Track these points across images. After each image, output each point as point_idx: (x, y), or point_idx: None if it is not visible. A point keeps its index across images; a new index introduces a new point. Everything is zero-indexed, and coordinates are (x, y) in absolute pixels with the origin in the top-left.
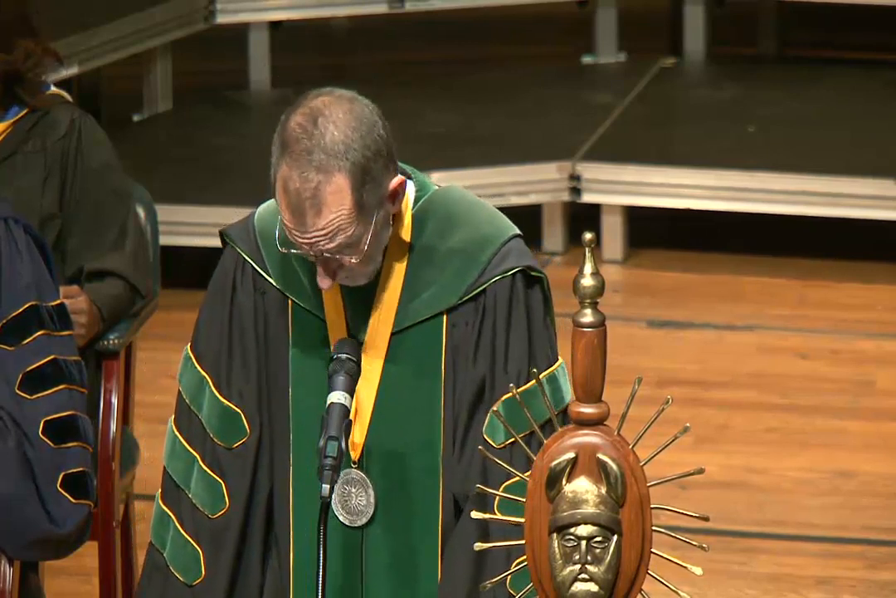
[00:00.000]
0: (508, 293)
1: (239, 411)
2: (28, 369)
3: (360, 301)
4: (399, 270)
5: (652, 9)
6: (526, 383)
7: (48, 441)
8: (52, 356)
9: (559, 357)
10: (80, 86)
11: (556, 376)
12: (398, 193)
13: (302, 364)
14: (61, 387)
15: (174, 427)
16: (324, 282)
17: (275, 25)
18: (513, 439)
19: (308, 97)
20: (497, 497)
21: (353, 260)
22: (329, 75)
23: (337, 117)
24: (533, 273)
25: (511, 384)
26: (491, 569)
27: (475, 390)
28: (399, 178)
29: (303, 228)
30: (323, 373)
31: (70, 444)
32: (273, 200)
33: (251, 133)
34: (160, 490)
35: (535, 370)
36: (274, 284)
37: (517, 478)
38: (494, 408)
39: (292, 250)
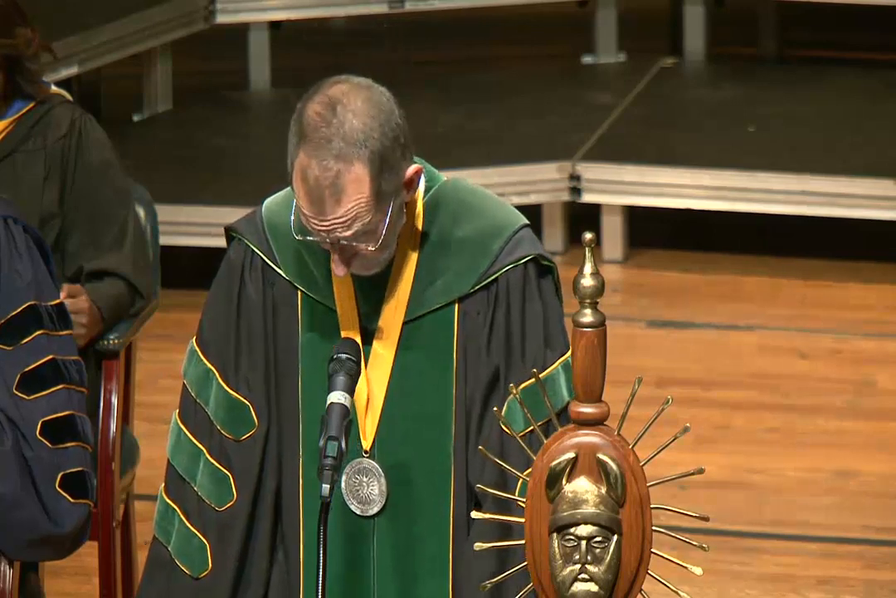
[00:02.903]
0: (521, 281)
1: (247, 402)
2: (26, 369)
3: (372, 290)
4: (411, 258)
5: (652, 9)
6: (543, 371)
7: (46, 442)
8: (50, 356)
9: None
10: (80, 86)
11: (570, 364)
12: (414, 181)
13: (312, 356)
14: (60, 387)
15: (179, 421)
16: (339, 269)
17: (275, 25)
18: (531, 428)
19: (324, 85)
20: (519, 483)
21: (369, 248)
22: (329, 75)
23: (356, 106)
24: (544, 262)
25: (534, 370)
26: (513, 565)
27: (489, 379)
28: (415, 166)
29: (321, 216)
30: None
31: (69, 444)
32: (280, 193)
33: (251, 133)
34: (163, 484)
35: (535, 370)
36: (283, 275)
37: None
38: (516, 396)
39: (308, 237)
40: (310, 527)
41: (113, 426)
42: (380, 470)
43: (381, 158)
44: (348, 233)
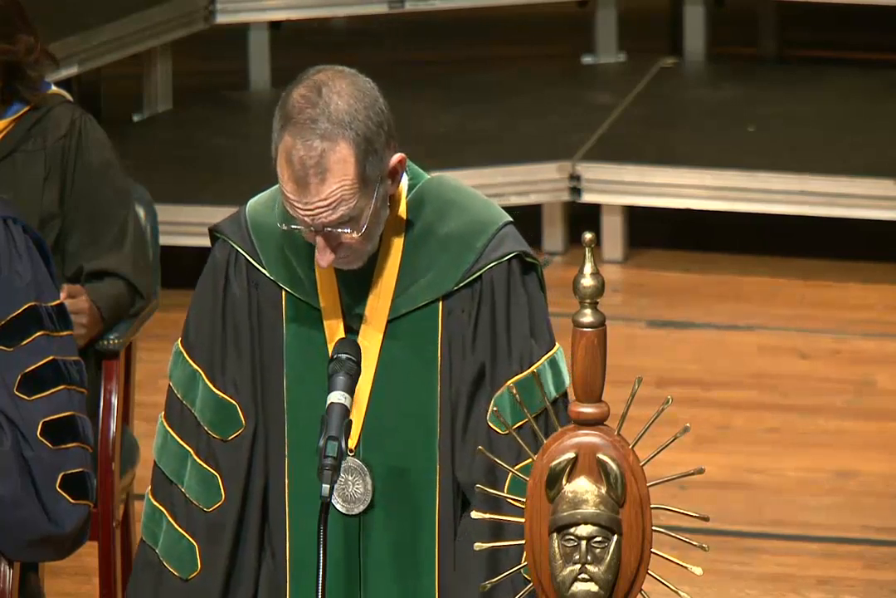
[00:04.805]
0: (506, 278)
1: (234, 402)
2: (27, 370)
3: (356, 287)
4: (395, 254)
5: (652, 9)
6: (530, 367)
7: (46, 442)
8: (50, 357)
9: (556, 342)
10: (80, 86)
11: (557, 360)
12: (398, 171)
13: (297, 355)
14: (60, 388)
15: (165, 422)
16: (324, 258)
17: (275, 25)
18: (520, 423)
19: (309, 73)
20: (508, 480)
21: (353, 235)
22: None
23: (341, 88)
24: (528, 259)
25: (530, 367)
26: (505, 565)
27: (474, 376)
28: (400, 155)
29: (306, 198)
30: (318, 364)
31: (69, 444)
32: (264, 193)
33: (251, 133)
34: (150, 486)
35: (531, 368)
36: (268, 275)
37: (526, 461)
38: (510, 390)
39: (293, 226)
40: (296, 526)
41: (113, 426)
42: (364, 469)
43: (366, 140)
44: (333, 217)
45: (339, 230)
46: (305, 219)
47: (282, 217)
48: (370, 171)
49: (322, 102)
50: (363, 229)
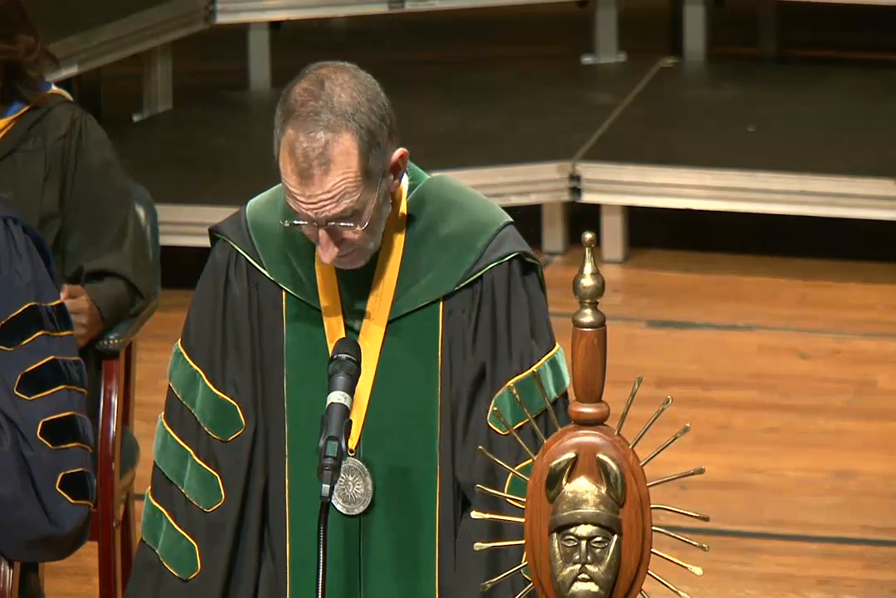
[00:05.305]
0: (506, 279)
1: (234, 403)
2: (27, 369)
3: (357, 288)
4: (396, 254)
5: (652, 9)
6: (530, 367)
7: (46, 442)
8: (51, 357)
9: (556, 343)
10: (80, 86)
11: (557, 360)
12: (400, 167)
13: (297, 355)
14: (60, 388)
15: (165, 423)
16: (326, 254)
17: (275, 25)
18: (520, 424)
19: (310, 68)
20: (508, 480)
21: (356, 229)
22: None
23: (343, 81)
24: (529, 259)
25: (531, 368)
26: (505, 565)
27: (475, 377)
28: (402, 150)
29: (309, 190)
30: (318, 364)
31: (69, 444)
32: (264, 193)
33: (251, 133)
34: (150, 487)
35: (532, 368)
36: (268, 275)
37: (526, 461)
38: (511, 390)
39: (296, 221)
40: (296, 526)
41: (113, 426)
42: (365, 469)
43: (369, 133)
44: (337, 210)
45: (342, 224)
46: (308, 213)
47: (284, 215)
48: (373, 164)
49: (325, 94)
50: (366, 224)
